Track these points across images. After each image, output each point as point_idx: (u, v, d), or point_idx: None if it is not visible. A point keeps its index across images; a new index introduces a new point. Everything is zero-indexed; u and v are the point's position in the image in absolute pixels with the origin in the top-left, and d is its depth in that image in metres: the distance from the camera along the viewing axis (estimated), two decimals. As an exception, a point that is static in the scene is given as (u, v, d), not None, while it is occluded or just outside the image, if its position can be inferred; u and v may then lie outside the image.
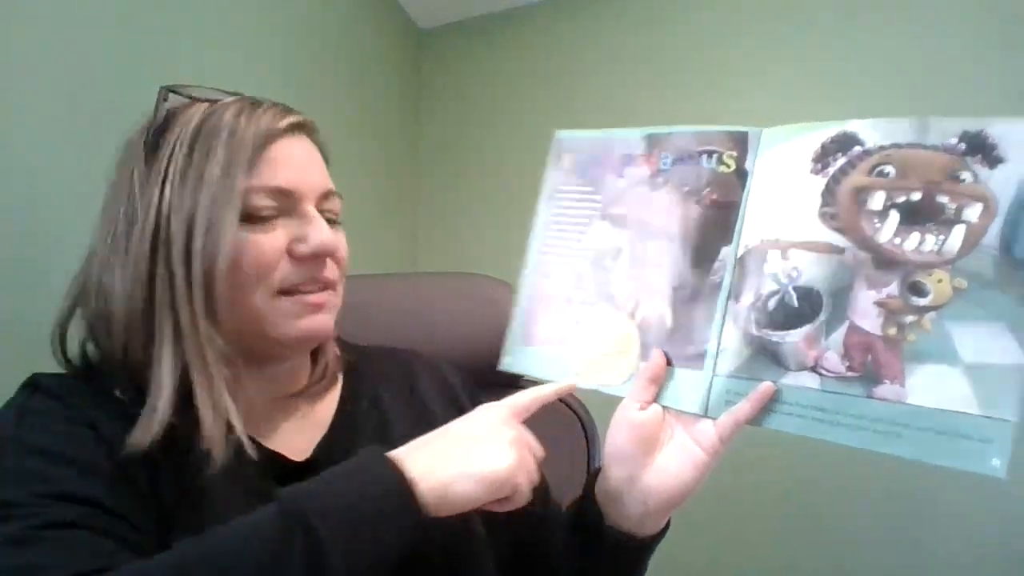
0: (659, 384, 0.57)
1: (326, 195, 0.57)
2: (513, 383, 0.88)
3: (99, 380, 0.53)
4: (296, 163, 0.55)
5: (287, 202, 0.54)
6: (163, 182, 0.51)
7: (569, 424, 0.87)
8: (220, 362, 0.50)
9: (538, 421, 0.86)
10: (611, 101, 1.70)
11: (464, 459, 0.46)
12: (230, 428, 0.49)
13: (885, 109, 0.52)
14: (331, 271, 0.56)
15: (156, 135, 0.53)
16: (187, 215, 0.50)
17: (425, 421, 0.62)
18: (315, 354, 0.63)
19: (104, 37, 0.93)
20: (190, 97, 0.54)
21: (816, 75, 1.47)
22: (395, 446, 0.50)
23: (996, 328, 0.46)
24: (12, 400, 0.51)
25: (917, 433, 0.48)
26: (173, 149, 0.52)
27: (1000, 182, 0.47)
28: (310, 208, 0.55)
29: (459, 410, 0.63)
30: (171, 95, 0.54)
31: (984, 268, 0.47)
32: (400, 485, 0.43)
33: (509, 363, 0.64)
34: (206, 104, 0.54)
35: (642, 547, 0.57)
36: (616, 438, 0.56)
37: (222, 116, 0.52)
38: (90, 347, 0.55)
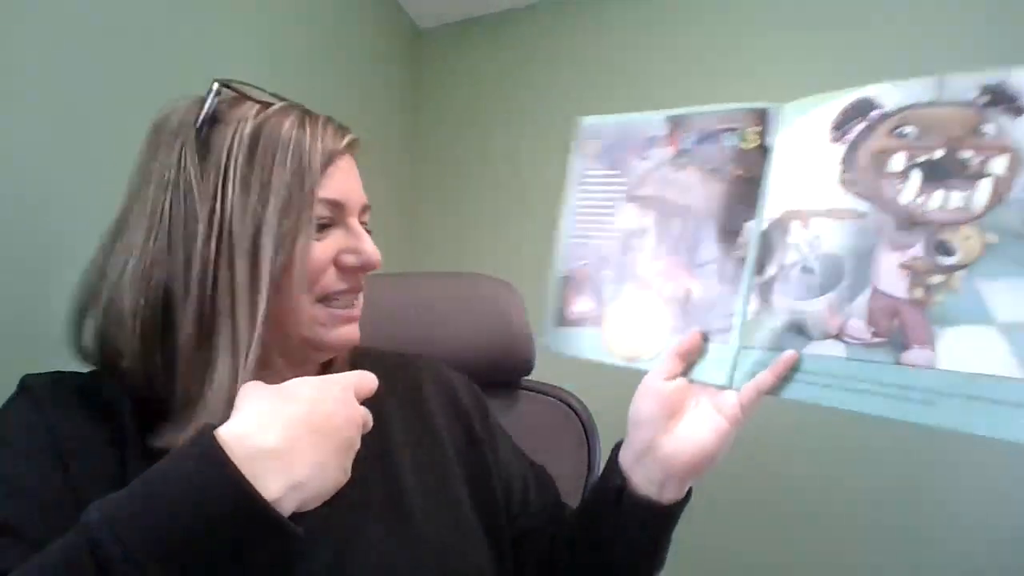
0: (687, 359, 0.57)
1: (365, 209, 0.60)
2: (515, 384, 0.90)
3: (104, 380, 0.52)
4: (347, 177, 0.57)
5: (338, 214, 0.56)
6: (223, 184, 0.51)
7: (569, 422, 0.86)
8: (257, 367, 0.50)
9: (538, 419, 0.87)
10: (611, 100, 1.65)
11: (324, 471, 0.41)
12: None
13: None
14: (362, 281, 0.59)
15: (208, 130, 0.52)
16: (254, 220, 0.50)
17: (427, 430, 0.64)
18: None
19: (103, 37, 0.93)
20: (244, 95, 0.55)
21: (812, 69, 1.44)
22: (393, 453, 0.55)
23: (1031, 283, 0.44)
24: (8, 400, 0.51)
25: (950, 400, 0.45)
26: (230, 150, 0.51)
27: (1026, 131, 0.45)
28: (355, 222, 0.58)
29: (465, 427, 0.66)
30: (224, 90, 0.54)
31: (1015, 221, 0.45)
32: (252, 508, 0.37)
33: (546, 343, 0.67)
34: (257, 105, 0.54)
35: (661, 515, 0.56)
36: (640, 404, 0.57)
37: (281, 125, 0.53)
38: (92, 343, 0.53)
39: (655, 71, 1.67)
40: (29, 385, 0.51)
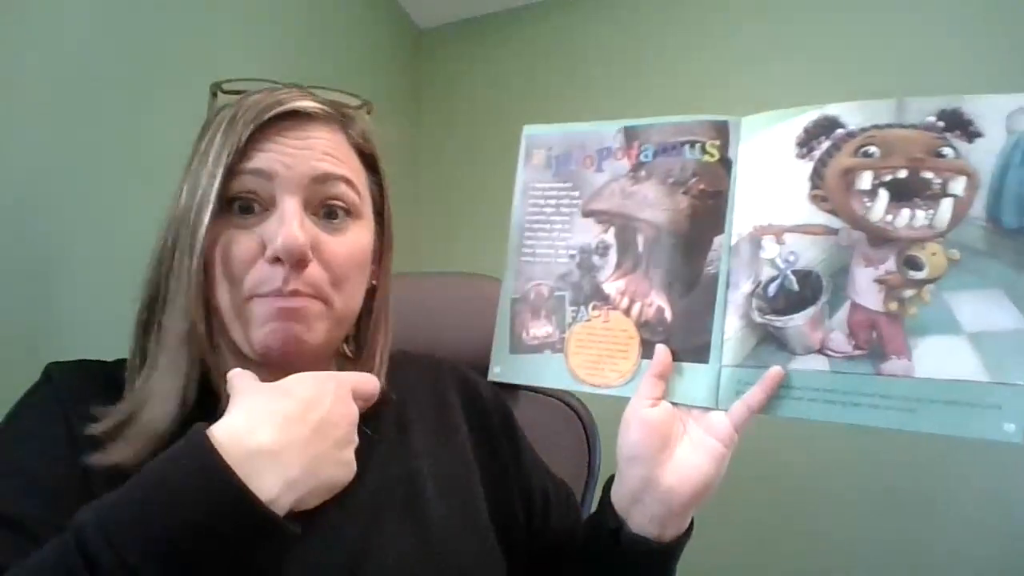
0: (667, 380, 0.54)
1: (321, 179, 0.49)
2: (515, 385, 0.85)
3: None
4: (283, 147, 0.48)
5: (268, 188, 0.48)
6: (185, 176, 0.49)
7: (569, 423, 0.85)
8: (188, 364, 0.46)
9: (538, 420, 0.85)
10: (611, 100, 1.70)
11: (319, 468, 0.40)
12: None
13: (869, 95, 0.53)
14: (314, 275, 0.48)
15: (202, 132, 0.50)
16: (187, 201, 0.47)
17: (451, 439, 0.58)
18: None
19: (104, 36, 0.92)
20: (235, 92, 0.52)
21: (816, 62, 1.49)
22: (411, 461, 0.53)
23: (993, 295, 0.48)
24: (30, 389, 0.50)
25: (929, 406, 0.48)
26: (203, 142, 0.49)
27: (980, 155, 0.49)
28: (287, 201, 0.47)
29: (488, 437, 0.60)
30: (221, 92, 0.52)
31: (974, 238, 0.48)
32: (254, 516, 0.35)
33: (499, 373, 0.61)
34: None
35: (666, 552, 0.53)
36: (629, 438, 0.53)
37: (247, 98, 0.49)
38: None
39: (656, 70, 1.66)
40: (51, 374, 0.50)
